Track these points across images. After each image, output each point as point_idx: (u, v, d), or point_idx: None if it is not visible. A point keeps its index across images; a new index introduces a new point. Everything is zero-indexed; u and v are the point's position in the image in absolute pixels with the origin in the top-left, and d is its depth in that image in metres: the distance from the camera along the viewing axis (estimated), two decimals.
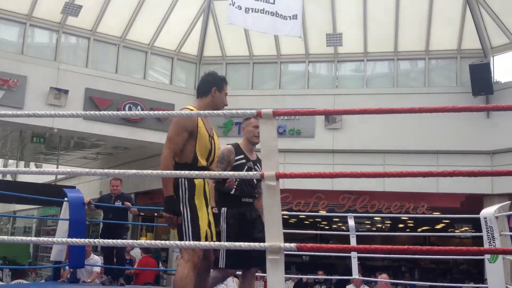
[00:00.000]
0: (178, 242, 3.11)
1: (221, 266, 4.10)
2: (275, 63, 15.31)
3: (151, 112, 2.94)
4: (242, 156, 4.33)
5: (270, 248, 2.65)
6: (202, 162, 3.58)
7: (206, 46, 15.48)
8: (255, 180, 4.22)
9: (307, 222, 18.51)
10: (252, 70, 15.42)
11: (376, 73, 15.14)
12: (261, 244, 2.72)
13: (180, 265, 3.45)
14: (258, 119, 3.69)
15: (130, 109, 13.65)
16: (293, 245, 2.67)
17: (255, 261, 4.11)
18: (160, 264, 13.70)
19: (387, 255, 11.10)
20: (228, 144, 4.41)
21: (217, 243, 3.05)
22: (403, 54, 14.53)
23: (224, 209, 4.22)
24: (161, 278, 14.70)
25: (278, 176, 2.77)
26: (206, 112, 3.06)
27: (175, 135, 3.48)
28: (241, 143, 4.44)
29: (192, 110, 3.61)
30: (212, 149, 3.67)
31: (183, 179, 3.49)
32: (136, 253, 12.40)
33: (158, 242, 3.20)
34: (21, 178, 19.32)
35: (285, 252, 2.65)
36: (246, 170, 4.17)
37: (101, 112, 2.95)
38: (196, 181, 3.50)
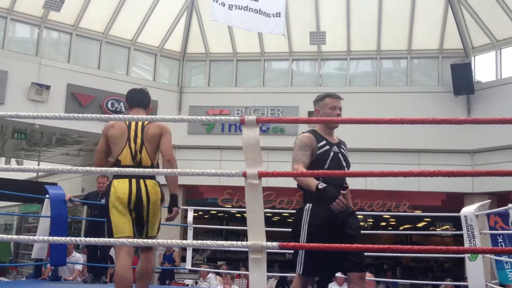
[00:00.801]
0: (160, 241, 3.10)
1: (298, 273, 3.56)
2: (258, 61, 15.31)
3: (129, 116, 2.93)
4: (324, 142, 3.73)
5: (252, 247, 2.66)
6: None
7: (190, 43, 15.42)
8: (344, 163, 3.76)
9: (290, 220, 18.55)
10: (235, 67, 15.40)
11: (359, 71, 15.22)
12: (243, 243, 2.73)
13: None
14: (333, 99, 3.84)
15: (112, 105, 13.55)
16: (275, 244, 2.68)
17: (342, 266, 3.59)
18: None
19: (370, 253, 11.19)
20: (303, 133, 3.78)
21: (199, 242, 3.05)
22: (385, 53, 14.64)
23: (308, 206, 3.62)
24: None
25: (261, 175, 2.78)
26: (192, 117, 3.06)
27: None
28: (317, 128, 3.84)
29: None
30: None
31: None
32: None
33: (141, 240, 3.19)
34: (2, 174, 19.07)
35: (267, 250, 2.66)
36: (333, 157, 3.69)
37: (80, 115, 2.93)
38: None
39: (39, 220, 8.43)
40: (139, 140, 3.85)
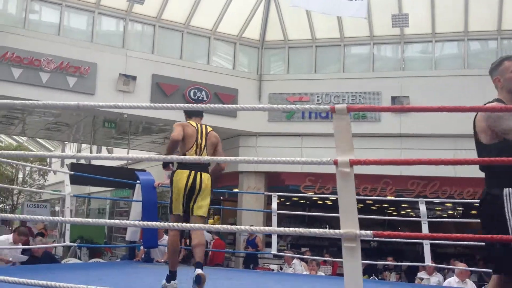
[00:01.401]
0: (243, 227, 3.11)
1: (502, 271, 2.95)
2: (338, 46, 15.06)
3: (213, 106, 2.97)
4: None
5: (345, 235, 2.63)
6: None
7: (268, 31, 15.45)
8: None
9: (374, 208, 18.25)
10: (315, 54, 15.25)
11: (445, 54, 14.61)
12: (336, 231, 2.71)
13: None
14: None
15: (195, 94, 13.87)
16: (369, 232, 2.63)
17: None
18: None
19: (460, 242, 10.76)
20: (489, 103, 3.12)
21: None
22: (473, 34, 13.92)
23: (508, 190, 2.88)
24: (230, 260, 14.99)
25: (352, 163, 2.74)
26: (278, 106, 3.04)
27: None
28: (502, 97, 3.18)
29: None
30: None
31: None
32: (207, 236, 12.72)
33: (225, 226, 3.25)
34: (95, 161, 20.15)
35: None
36: None
37: (164, 104, 3.01)
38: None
39: (130, 205, 8.84)
40: (203, 144, 4.73)
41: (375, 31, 14.58)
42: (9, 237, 7.97)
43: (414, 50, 14.85)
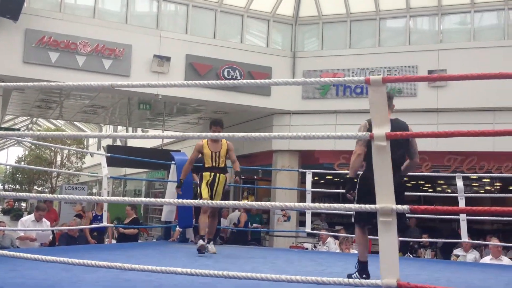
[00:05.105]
0: (275, 204, 3.08)
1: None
2: (373, 20, 14.74)
3: (249, 81, 2.94)
4: None
5: (381, 210, 2.60)
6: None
7: (302, 6, 15.23)
8: None
9: (409, 185, 17.98)
10: (349, 29, 14.98)
11: (484, 25, 14.11)
12: (372, 206, 2.67)
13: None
14: None
15: (228, 73, 13.85)
16: (405, 207, 2.60)
17: None
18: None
19: (497, 218, 10.54)
20: None
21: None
22: None
23: None
24: (264, 239, 15.08)
25: (389, 136, 2.69)
26: (312, 80, 2.98)
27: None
28: None
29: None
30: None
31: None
32: (235, 216, 12.84)
33: (259, 203, 3.25)
34: (130, 143, 20.46)
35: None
36: None
37: (197, 82, 3.00)
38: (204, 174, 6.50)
39: (165, 186, 8.95)
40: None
41: (411, 3, 14.20)
42: (32, 216, 8.24)
43: (452, 21, 14.40)
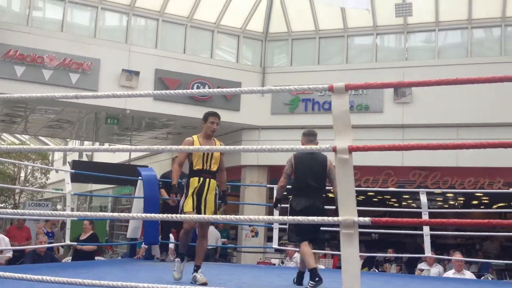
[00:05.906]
0: (243, 217, 3.09)
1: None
2: (341, 37, 15.00)
3: (216, 90, 2.97)
4: None
5: (344, 222, 2.62)
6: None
7: (272, 23, 15.39)
8: None
9: (375, 200, 18.21)
10: (318, 45, 15.19)
11: (448, 43, 14.52)
12: (334, 218, 2.70)
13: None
14: None
15: (198, 88, 13.85)
16: (367, 219, 2.63)
17: None
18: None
19: (460, 233, 10.74)
20: None
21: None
22: (477, 21, 13.82)
23: None
24: (231, 255, 14.96)
25: (351, 149, 2.72)
26: (277, 88, 3.03)
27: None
28: None
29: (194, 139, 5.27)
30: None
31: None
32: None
33: (224, 216, 3.25)
34: (96, 159, 20.14)
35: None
36: None
37: (168, 92, 3.00)
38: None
39: (132, 202, 8.82)
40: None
41: (378, 21, 14.51)
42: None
43: (417, 39, 14.77)
